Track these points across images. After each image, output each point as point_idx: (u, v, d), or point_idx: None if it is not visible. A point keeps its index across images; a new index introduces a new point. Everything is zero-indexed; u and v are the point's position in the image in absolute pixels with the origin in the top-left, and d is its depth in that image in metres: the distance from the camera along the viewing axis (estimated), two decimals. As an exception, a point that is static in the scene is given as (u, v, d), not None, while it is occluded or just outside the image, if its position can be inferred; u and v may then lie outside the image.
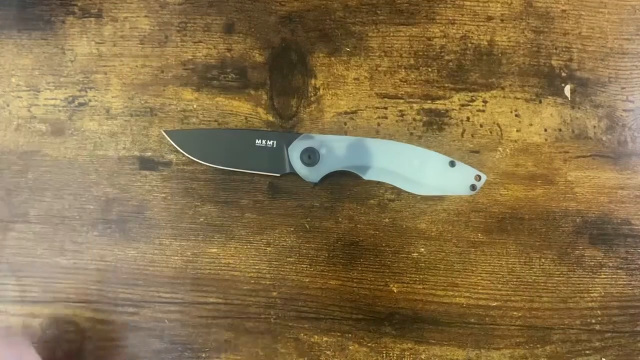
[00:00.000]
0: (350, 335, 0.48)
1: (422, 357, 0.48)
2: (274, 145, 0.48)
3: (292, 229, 0.49)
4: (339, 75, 0.50)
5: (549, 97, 0.50)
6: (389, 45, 0.50)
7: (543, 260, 0.49)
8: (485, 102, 0.50)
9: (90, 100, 0.50)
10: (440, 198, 0.49)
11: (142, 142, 0.50)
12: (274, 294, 0.49)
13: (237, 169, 0.49)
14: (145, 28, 0.51)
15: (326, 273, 0.49)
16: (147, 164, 0.50)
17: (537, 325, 0.48)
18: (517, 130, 0.50)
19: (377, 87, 0.50)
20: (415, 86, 0.50)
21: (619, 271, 0.49)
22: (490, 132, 0.50)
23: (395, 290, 0.49)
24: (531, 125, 0.50)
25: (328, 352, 0.48)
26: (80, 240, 0.49)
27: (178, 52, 0.51)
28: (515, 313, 0.48)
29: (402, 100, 0.50)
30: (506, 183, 0.49)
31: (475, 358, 0.48)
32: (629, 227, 0.49)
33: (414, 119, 0.50)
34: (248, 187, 0.50)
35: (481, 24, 0.51)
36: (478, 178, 0.46)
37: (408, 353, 0.48)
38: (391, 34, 0.51)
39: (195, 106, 0.50)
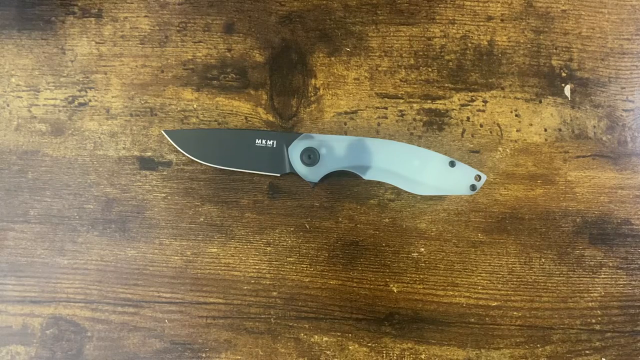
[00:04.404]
0: (350, 335, 0.48)
1: (422, 357, 0.48)
2: (274, 145, 0.48)
3: (292, 229, 0.49)
4: (339, 75, 0.50)
5: (549, 97, 0.50)
6: (389, 45, 0.50)
7: (543, 260, 0.49)
8: (485, 102, 0.50)
9: (90, 100, 0.50)
10: (440, 198, 0.49)
11: (142, 142, 0.50)
12: (274, 294, 0.49)
13: (237, 169, 0.49)
14: (145, 28, 0.51)
15: (326, 273, 0.49)
16: (147, 164, 0.50)
17: (537, 325, 0.48)
18: (517, 130, 0.50)
19: (377, 87, 0.50)
20: (415, 86, 0.50)
21: (619, 271, 0.49)
22: (490, 132, 0.50)
23: (395, 290, 0.49)
24: (531, 125, 0.50)
25: (328, 352, 0.48)
26: (80, 240, 0.49)
27: (178, 52, 0.51)
28: (515, 313, 0.48)
29: (402, 100, 0.50)
30: (506, 183, 0.49)
31: (475, 358, 0.48)
32: (629, 227, 0.49)
33: (414, 119, 0.50)
34: (248, 187, 0.50)
35: (481, 24, 0.51)
36: (478, 178, 0.46)
37: (408, 353, 0.48)
38: (391, 34, 0.51)
39: (195, 106, 0.50)
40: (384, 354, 0.48)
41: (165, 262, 0.49)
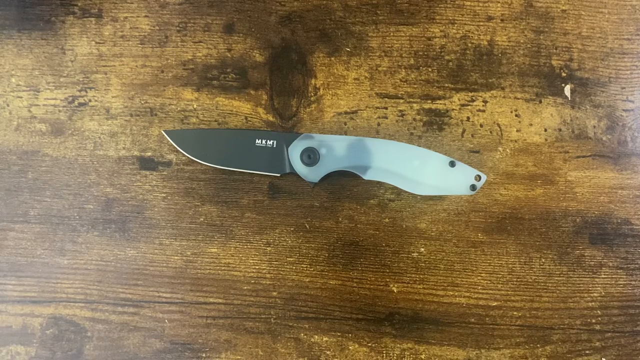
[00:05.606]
0: (350, 335, 0.48)
1: (422, 357, 0.48)
2: (274, 145, 0.48)
3: (292, 229, 0.49)
4: (339, 75, 0.50)
5: (549, 97, 0.50)
6: (389, 45, 0.50)
7: (543, 260, 0.49)
8: (485, 102, 0.50)
9: (90, 100, 0.50)
10: (440, 198, 0.49)
11: (142, 142, 0.50)
12: (274, 294, 0.49)
13: (237, 169, 0.49)
14: (145, 28, 0.51)
15: (326, 273, 0.49)
16: (147, 164, 0.50)
17: (537, 325, 0.48)
18: (517, 130, 0.50)
19: (377, 87, 0.50)
20: (415, 86, 0.50)
21: (619, 271, 0.49)
22: (490, 132, 0.50)
23: (395, 290, 0.49)
24: (531, 125, 0.50)
25: (328, 352, 0.48)
26: (80, 240, 0.49)
27: (178, 52, 0.51)
28: (515, 313, 0.48)
29: (402, 100, 0.50)
30: (506, 183, 0.49)
31: (475, 358, 0.48)
32: (629, 227, 0.49)
33: (414, 119, 0.50)
34: (248, 187, 0.50)
35: (481, 24, 0.51)
36: (478, 178, 0.46)
37: (408, 353, 0.48)
38: (391, 34, 0.51)
39: (195, 106, 0.50)
40: (384, 354, 0.48)
41: (165, 262, 0.49)
